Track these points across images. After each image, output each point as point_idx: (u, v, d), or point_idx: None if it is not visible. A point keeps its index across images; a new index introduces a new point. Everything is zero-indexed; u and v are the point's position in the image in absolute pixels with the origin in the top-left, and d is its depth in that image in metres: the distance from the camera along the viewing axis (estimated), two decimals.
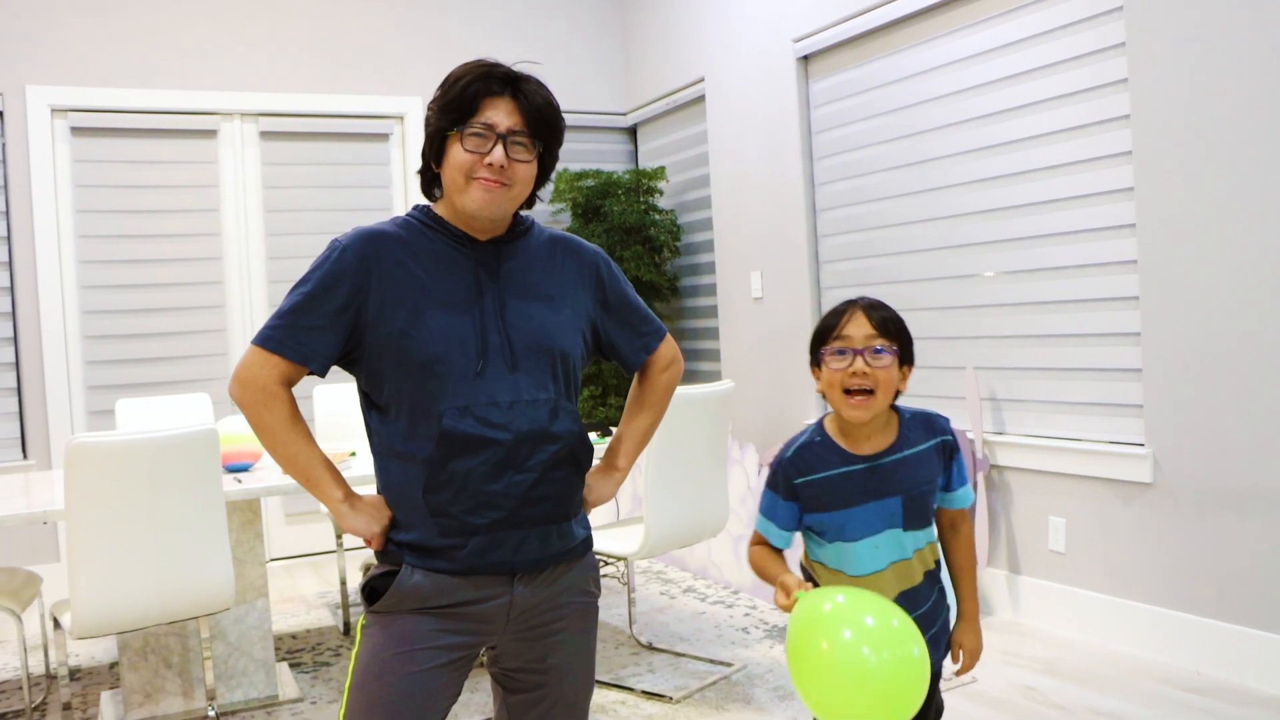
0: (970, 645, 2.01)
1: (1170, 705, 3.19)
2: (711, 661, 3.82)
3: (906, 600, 1.95)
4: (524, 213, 1.95)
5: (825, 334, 1.95)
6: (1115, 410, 3.69)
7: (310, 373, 1.81)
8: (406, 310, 1.78)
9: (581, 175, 6.08)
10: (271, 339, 1.79)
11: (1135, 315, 3.57)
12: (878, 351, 1.90)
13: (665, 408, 2.11)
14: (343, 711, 1.82)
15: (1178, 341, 3.42)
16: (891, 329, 1.92)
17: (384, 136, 6.13)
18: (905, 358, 1.95)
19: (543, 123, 1.83)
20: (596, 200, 6.00)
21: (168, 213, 5.67)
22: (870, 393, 1.88)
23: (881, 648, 1.65)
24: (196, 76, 5.68)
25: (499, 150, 1.77)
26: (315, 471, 1.82)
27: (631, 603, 4.14)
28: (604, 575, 5.21)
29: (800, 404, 5.19)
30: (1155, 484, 3.52)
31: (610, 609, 4.60)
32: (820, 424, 2.01)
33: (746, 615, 4.41)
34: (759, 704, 3.40)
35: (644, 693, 3.54)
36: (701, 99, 5.88)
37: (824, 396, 1.96)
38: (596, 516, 5.95)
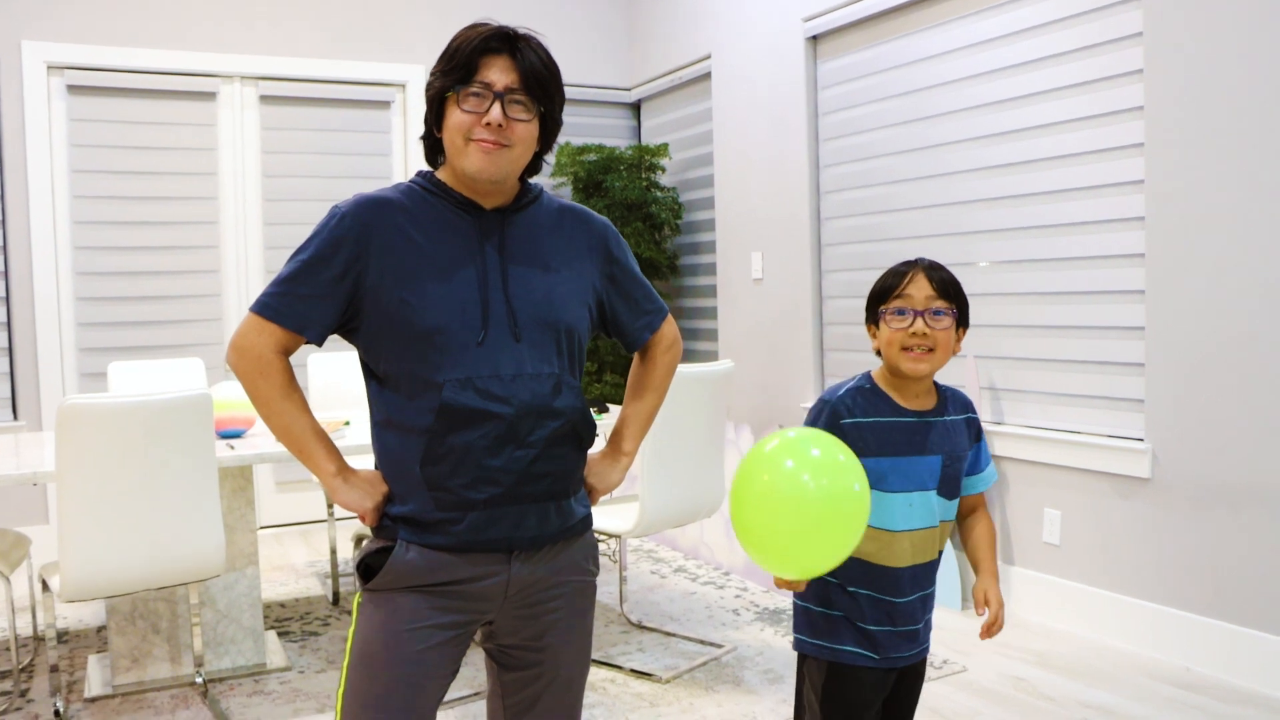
0: (997, 596, 2.00)
1: (1159, 701, 3.19)
2: (702, 642, 3.81)
3: (917, 576, 1.95)
4: (533, 181, 1.92)
5: (886, 293, 1.96)
6: (1116, 404, 3.67)
7: (307, 342, 1.79)
8: (406, 278, 1.75)
9: (584, 149, 6.03)
10: (269, 307, 1.76)
11: (1140, 309, 3.54)
12: (937, 313, 1.91)
13: (667, 390, 2.09)
14: (341, 690, 1.80)
15: (1182, 337, 3.40)
16: (951, 291, 1.93)
17: (385, 104, 6.07)
18: (962, 320, 1.96)
19: (541, 81, 1.79)
20: (598, 175, 5.95)
21: (164, 175, 5.61)
22: (930, 350, 1.90)
23: (821, 475, 1.65)
24: (197, 38, 5.61)
25: (496, 109, 1.73)
26: (309, 443, 1.79)
27: (623, 580, 4.13)
28: (618, 536, 5.19)
29: (798, 387, 5.17)
30: (1153, 479, 3.51)
31: (601, 586, 4.60)
32: (868, 375, 2.01)
33: (737, 597, 4.40)
34: (749, 686, 3.39)
35: (633, 671, 3.53)
36: (707, 76, 5.83)
37: (879, 354, 1.98)
38: None
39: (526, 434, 1.75)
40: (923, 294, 1.91)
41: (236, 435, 3.63)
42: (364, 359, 1.84)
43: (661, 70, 6.22)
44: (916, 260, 1.97)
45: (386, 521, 1.80)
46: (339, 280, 1.74)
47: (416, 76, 6.03)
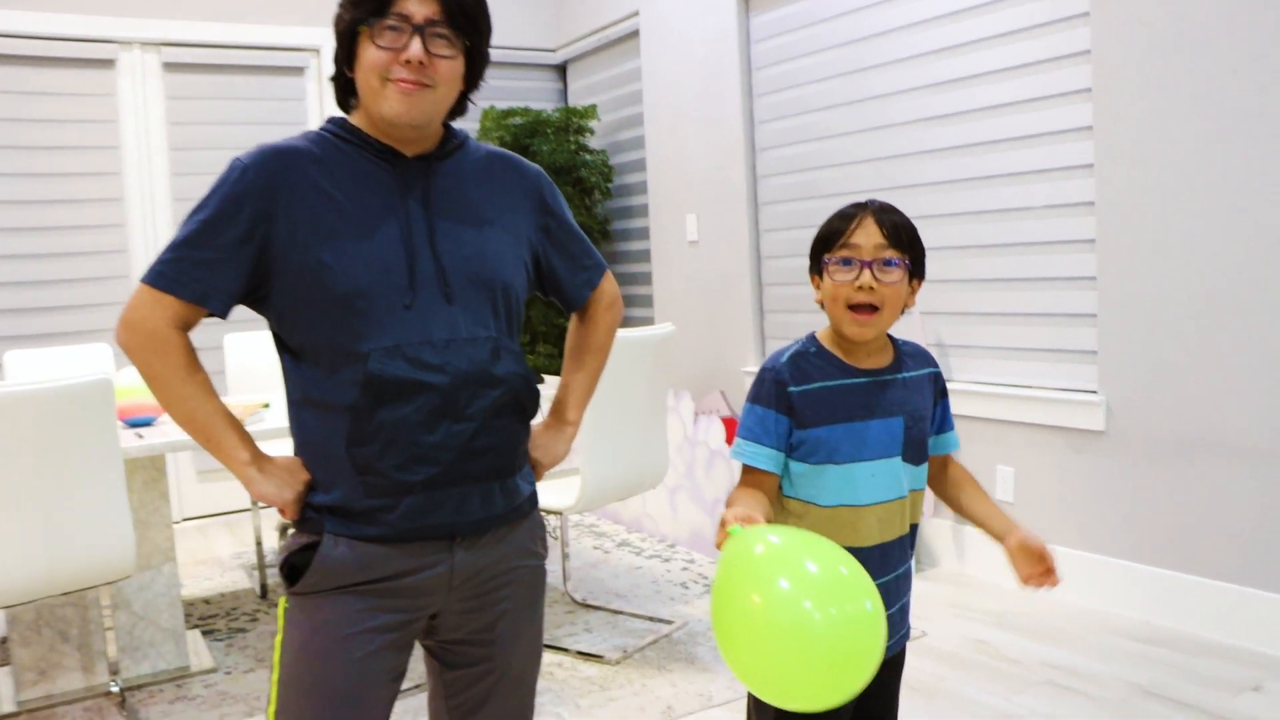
0: (1036, 538, 1.84)
1: (1122, 657, 3.11)
2: (650, 619, 3.67)
3: (888, 554, 1.77)
4: (458, 127, 1.73)
5: (830, 240, 1.75)
6: (1068, 356, 3.58)
7: (209, 314, 1.58)
8: (321, 237, 1.55)
9: (509, 113, 5.80)
10: (163, 275, 1.55)
11: (1091, 259, 3.44)
12: (888, 264, 1.70)
13: (609, 352, 1.92)
14: (272, 711, 1.61)
15: (1135, 286, 3.30)
16: (904, 238, 1.72)
17: (298, 70, 5.79)
18: (916, 271, 1.76)
19: (466, 11, 1.60)
20: (525, 139, 5.73)
21: (61, 149, 5.27)
22: (875, 309, 1.70)
23: (828, 602, 1.33)
24: (91, 0, 5.27)
25: (416, 44, 1.54)
26: (216, 429, 1.59)
27: (565, 557, 3.96)
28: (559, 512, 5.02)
29: (738, 351, 5.03)
30: (1108, 432, 3.42)
31: None
32: (812, 336, 1.81)
33: (684, 569, 4.26)
34: (703, 663, 3.25)
35: (581, 654, 3.37)
36: (635, 34, 5.63)
37: (822, 308, 1.77)
38: None
39: (465, 405, 1.58)
40: (871, 242, 1.70)
41: (146, 423, 3.38)
42: (275, 331, 1.64)
43: (588, 29, 6.01)
44: (867, 202, 1.77)
45: (310, 513, 1.61)
46: (243, 242, 1.55)
47: (331, 40, 5.74)
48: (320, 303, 1.55)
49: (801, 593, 1.34)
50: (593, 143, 6.06)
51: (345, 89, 1.65)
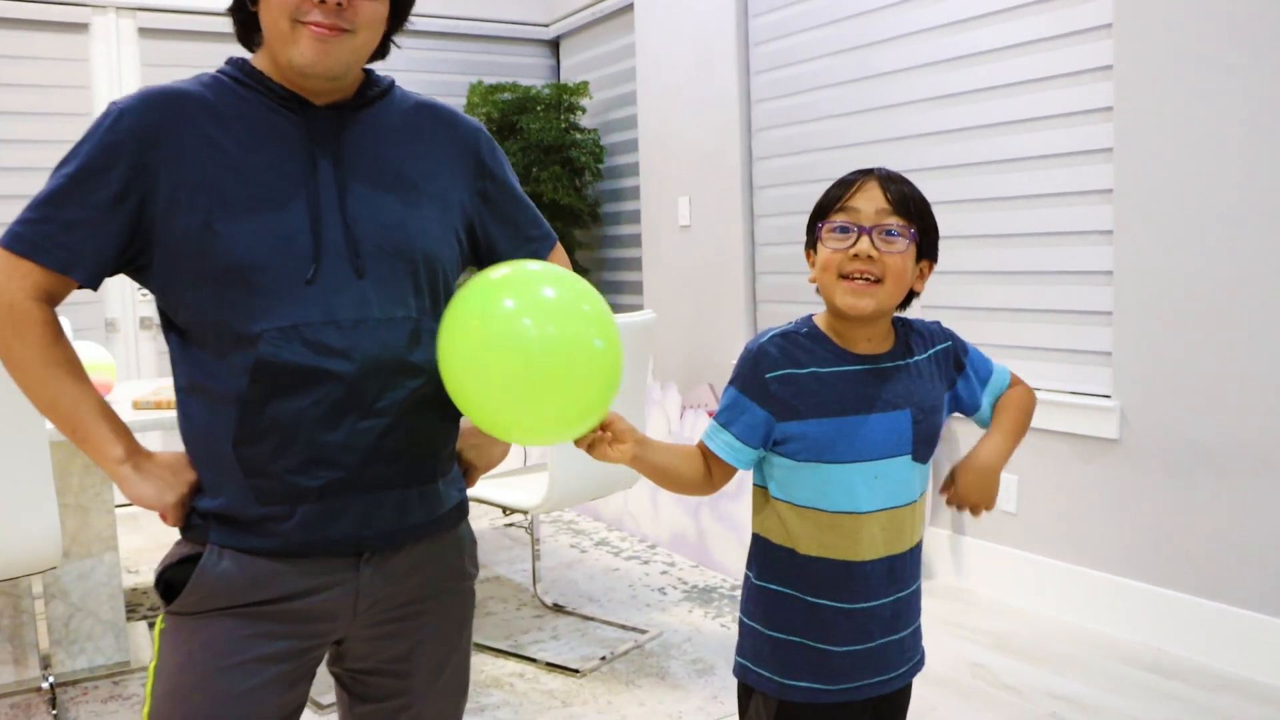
0: (970, 482, 1.56)
1: (1132, 688, 2.86)
2: (623, 627, 3.42)
3: (894, 570, 1.52)
4: (380, 72, 1.48)
5: (827, 207, 1.52)
6: (1080, 357, 3.32)
7: (79, 285, 1.34)
8: (210, 197, 1.31)
9: (497, 88, 5.54)
10: (21, 239, 1.32)
11: (1107, 251, 3.18)
12: (890, 234, 1.47)
13: None
14: None
15: (1154, 282, 3.05)
16: (912, 208, 1.50)
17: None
18: (926, 249, 1.53)
19: None
20: (513, 116, 5.47)
21: (30, 116, 5.01)
22: (876, 281, 1.46)
23: (548, 320, 1.28)
24: None
25: None
26: (84, 420, 1.35)
27: (536, 556, 3.72)
28: (508, 524, 4.78)
29: (729, 341, 4.77)
30: (1122, 440, 3.17)
31: (513, 564, 4.18)
32: (808, 318, 1.58)
33: (664, 573, 4.01)
34: (674, 678, 3.00)
35: (546, 664, 3.12)
36: (630, 8, 5.37)
37: (816, 288, 1.53)
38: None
39: (374, 398, 1.34)
40: (873, 207, 1.47)
41: None
42: (160, 306, 1.39)
43: (581, 3, 5.74)
44: (871, 168, 1.55)
45: (196, 520, 1.37)
46: (117, 201, 1.31)
47: None
48: (207, 275, 1.31)
49: (524, 311, 1.29)
50: (584, 121, 5.80)
51: (246, 23, 1.41)
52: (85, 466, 3.16)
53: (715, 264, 4.84)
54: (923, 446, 1.52)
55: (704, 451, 1.53)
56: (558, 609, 3.62)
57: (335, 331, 1.31)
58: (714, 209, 4.82)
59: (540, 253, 1.60)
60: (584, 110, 5.69)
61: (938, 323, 1.64)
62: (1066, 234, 3.31)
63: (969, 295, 3.62)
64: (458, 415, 1.47)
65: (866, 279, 1.46)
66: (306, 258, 1.32)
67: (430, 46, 5.76)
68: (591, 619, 3.51)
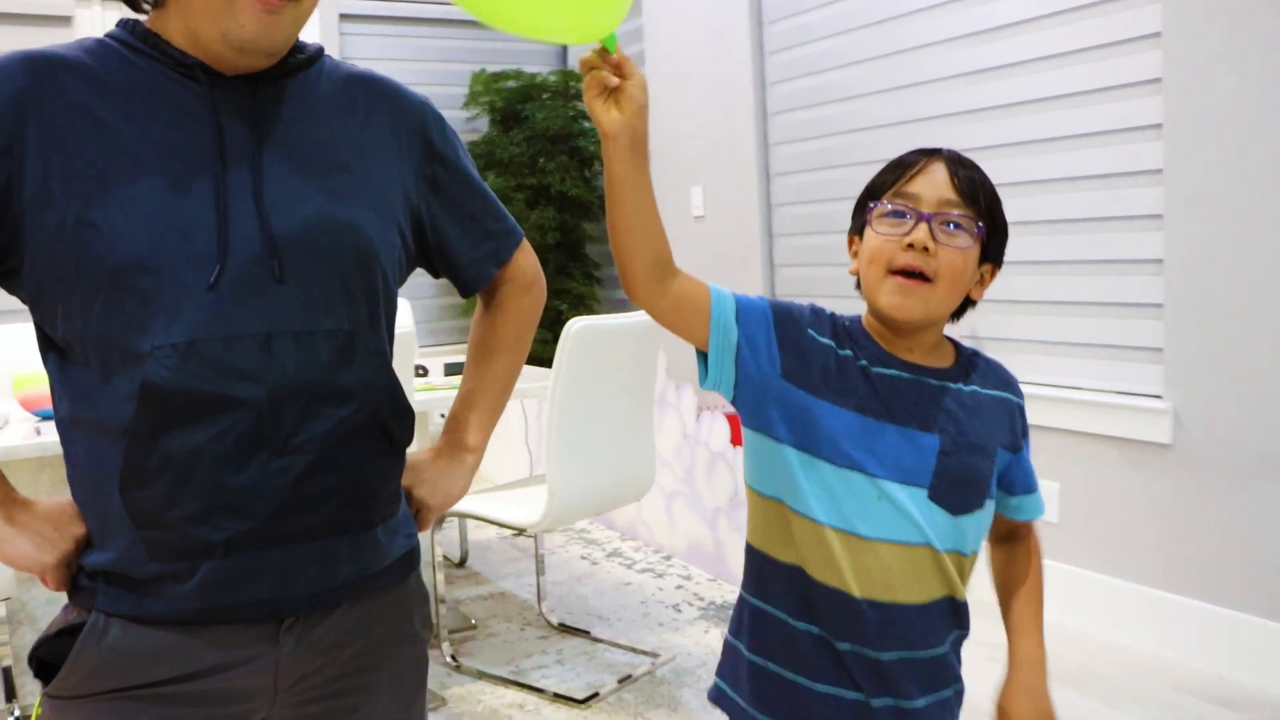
0: (1023, 712, 1.34)
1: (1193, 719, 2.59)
2: (633, 650, 3.18)
3: (893, 623, 1.26)
4: (307, 41, 1.23)
5: (881, 188, 1.28)
6: (1128, 354, 3.04)
7: None
8: (87, 184, 1.06)
9: (501, 76, 5.29)
10: None
11: (1158, 237, 2.90)
12: (953, 226, 1.23)
13: (526, 349, 1.42)
14: None
15: (1209, 271, 2.76)
16: (982, 199, 1.25)
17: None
18: (992, 251, 1.28)
19: None
20: (517, 104, 5.23)
21: None
22: (928, 280, 1.22)
23: None
24: None
25: None
26: None
27: (540, 572, 3.47)
28: (516, 533, 4.53)
29: None
30: (1175, 445, 2.89)
31: (520, 578, 3.94)
32: (856, 317, 1.34)
33: (679, 588, 3.76)
34: (687, 709, 2.76)
35: (549, 694, 2.88)
36: None
37: (857, 284, 1.29)
38: (493, 472, 5.27)
39: (291, 431, 1.09)
40: (937, 194, 1.23)
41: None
42: (37, 321, 1.15)
43: None
44: (939, 148, 1.29)
45: (83, 581, 1.13)
46: None
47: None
48: (86, 279, 1.06)
49: None
50: None
51: None
52: (54, 483, 2.94)
53: (731, 256, 4.57)
54: (947, 486, 1.25)
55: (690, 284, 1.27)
56: (564, 629, 3.38)
57: (242, 349, 1.07)
58: (729, 198, 4.56)
59: (501, 251, 1.35)
60: None
61: (1008, 371, 1.38)
62: (1112, 219, 3.03)
63: (1005, 287, 3.35)
64: (402, 446, 1.22)
65: (918, 276, 1.21)
66: (209, 256, 1.07)
67: (432, 34, 5.52)
68: (599, 641, 3.27)
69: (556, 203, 5.21)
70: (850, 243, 1.32)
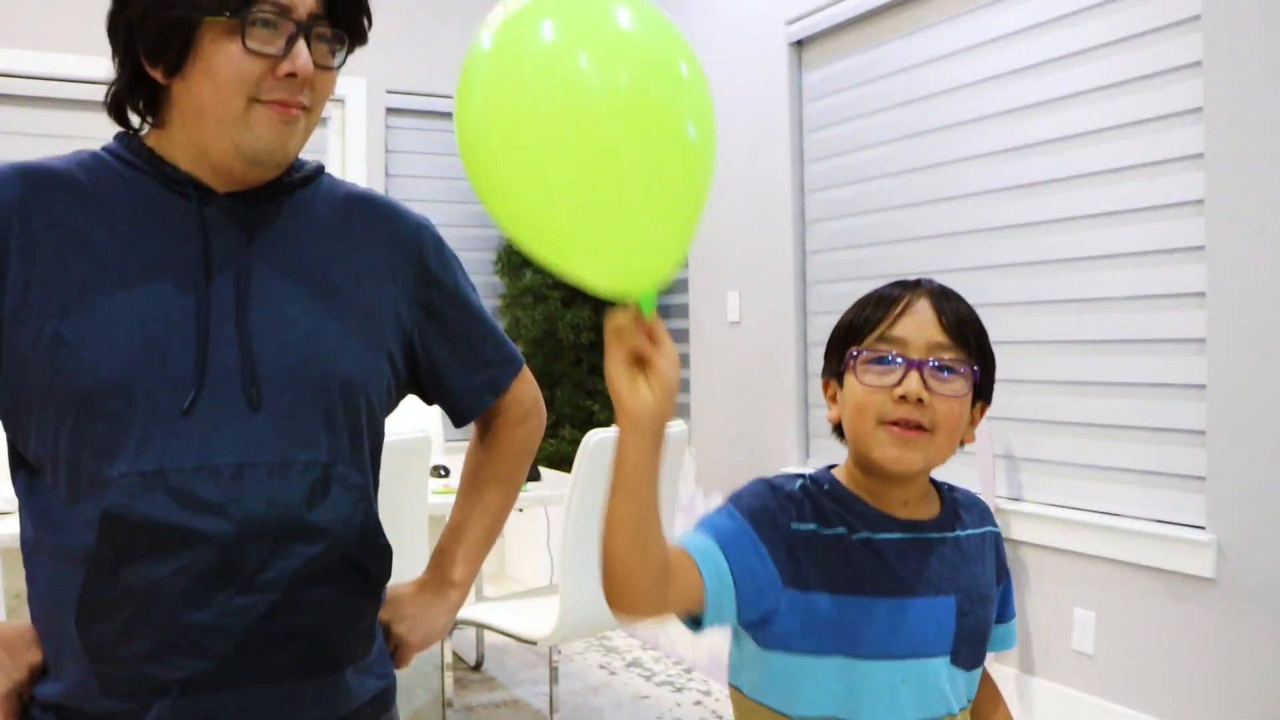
0: None
1: None
2: None
3: None
4: (303, 157, 1.21)
5: (862, 330, 1.19)
6: (1169, 481, 2.93)
7: None
8: (63, 300, 1.04)
9: None
10: None
11: (1201, 361, 2.81)
12: (945, 371, 1.15)
13: (523, 479, 1.36)
14: None
15: (1255, 397, 2.66)
16: (971, 337, 1.17)
17: (321, 121, 5.35)
18: (984, 390, 1.20)
19: (353, 3, 1.12)
20: None
21: None
22: (925, 430, 1.14)
23: (620, 64, 0.88)
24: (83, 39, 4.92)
25: (304, 51, 1.06)
26: None
27: (554, 681, 3.37)
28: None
29: (779, 448, 4.43)
30: (1219, 580, 2.76)
31: (535, 685, 3.83)
32: (827, 470, 1.24)
33: (697, 703, 3.63)
34: None
35: None
36: None
37: (837, 434, 1.21)
38: (517, 572, 5.18)
39: (257, 568, 1.04)
40: (925, 337, 1.15)
41: None
42: (9, 437, 1.12)
43: None
44: (917, 281, 1.22)
45: (35, 713, 1.08)
46: None
47: (357, 91, 5.35)
48: (58, 399, 1.03)
49: (577, 41, 0.88)
50: None
51: (142, 97, 1.14)
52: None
53: (766, 363, 4.52)
54: (966, 647, 1.18)
55: (684, 557, 1.11)
56: None
57: (210, 479, 1.02)
58: (765, 304, 4.52)
59: (500, 380, 1.31)
60: None
61: (980, 499, 1.31)
62: (1154, 341, 2.94)
63: (1042, 407, 3.25)
64: (379, 585, 1.16)
65: (915, 426, 1.13)
66: (185, 380, 1.04)
67: None
68: None
69: (592, 302, 5.20)
70: (825, 387, 1.24)
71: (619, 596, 1.04)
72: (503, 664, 4.06)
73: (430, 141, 5.53)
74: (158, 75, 1.08)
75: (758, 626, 1.17)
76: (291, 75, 1.05)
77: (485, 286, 5.60)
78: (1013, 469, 3.36)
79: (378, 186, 5.37)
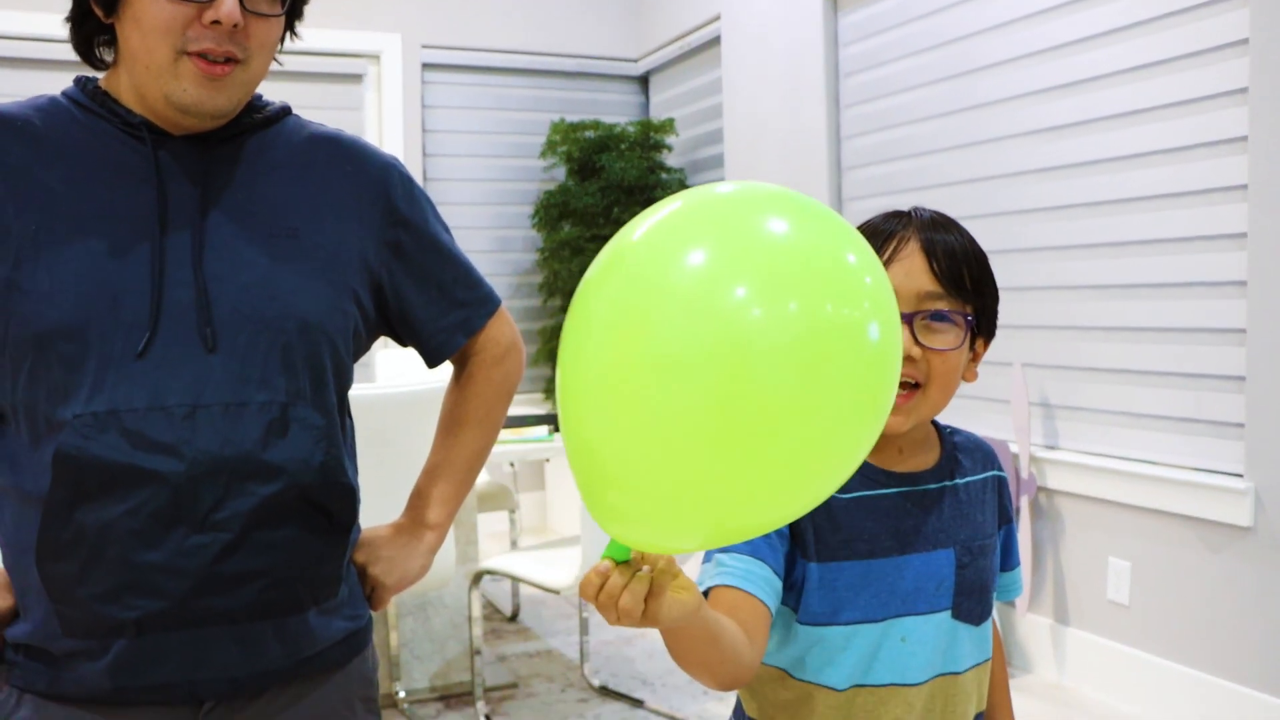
0: None
1: None
2: (674, 718, 3.06)
3: None
4: (263, 94, 1.20)
5: None
6: (1206, 429, 2.85)
7: None
8: (18, 246, 1.03)
9: (579, 126, 5.29)
10: None
11: (1241, 305, 2.72)
12: (938, 317, 1.10)
13: (500, 421, 1.35)
14: None
15: None
16: (966, 277, 1.11)
17: (356, 78, 5.39)
18: (984, 326, 1.15)
19: None
20: (595, 154, 5.21)
21: None
22: (916, 386, 1.10)
23: (786, 294, 0.71)
24: None
25: (231, 1, 1.02)
26: None
27: (584, 630, 3.38)
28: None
29: None
30: (1256, 528, 2.69)
31: (570, 635, 3.85)
32: None
33: None
34: None
35: None
36: (717, 41, 5.07)
37: None
38: (558, 524, 5.20)
39: (211, 507, 1.03)
40: (914, 285, 1.10)
41: None
42: None
43: (670, 36, 5.47)
44: (909, 213, 1.17)
45: (9, 655, 1.09)
46: None
47: (392, 46, 5.34)
48: (13, 345, 1.03)
49: (735, 273, 0.71)
50: (672, 161, 5.50)
51: (88, 38, 1.13)
52: None
53: None
54: (967, 600, 1.14)
55: (728, 596, 1.06)
56: (605, 692, 3.27)
57: (163, 419, 1.02)
58: None
59: (472, 321, 1.29)
60: (670, 149, 5.40)
61: (985, 441, 1.26)
62: (1192, 284, 2.86)
63: (1079, 354, 3.18)
64: (344, 525, 1.16)
65: (905, 384, 1.08)
66: (139, 324, 1.03)
67: (514, 84, 5.56)
68: (641, 705, 3.16)
69: None
70: None
71: (732, 688, 1.04)
72: (538, 614, 4.09)
73: (467, 96, 5.50)
74: (99, 14, 1.07)
75: (786, 595, 1.14)
76: (216, 23, 1.03)
77: (524, 240, 5.59)
78: (1048, 417, 3.29)
79: (415, 143, 5.37)
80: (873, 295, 0.75)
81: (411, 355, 1.29)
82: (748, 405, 0.70)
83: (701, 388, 0.70)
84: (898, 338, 0.78)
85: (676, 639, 0.95)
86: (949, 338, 1.10)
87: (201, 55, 1.03)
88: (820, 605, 1.10)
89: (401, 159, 5.40)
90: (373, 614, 1.23)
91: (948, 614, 1.14)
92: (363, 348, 1.21)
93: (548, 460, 5.00)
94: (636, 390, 0.72)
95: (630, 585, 0.80)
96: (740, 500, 0.74)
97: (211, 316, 1.05)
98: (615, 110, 5.86)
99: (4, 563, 1.09)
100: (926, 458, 1.18)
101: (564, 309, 5.33)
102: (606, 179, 5.13)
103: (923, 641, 1.12)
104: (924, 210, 1.18)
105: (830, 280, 0.73)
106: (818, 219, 0.77)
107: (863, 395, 0.74)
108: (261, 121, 1.16)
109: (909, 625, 1.12)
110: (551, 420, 3.61)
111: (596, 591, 0.81)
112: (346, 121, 5.32)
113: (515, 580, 2.84)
